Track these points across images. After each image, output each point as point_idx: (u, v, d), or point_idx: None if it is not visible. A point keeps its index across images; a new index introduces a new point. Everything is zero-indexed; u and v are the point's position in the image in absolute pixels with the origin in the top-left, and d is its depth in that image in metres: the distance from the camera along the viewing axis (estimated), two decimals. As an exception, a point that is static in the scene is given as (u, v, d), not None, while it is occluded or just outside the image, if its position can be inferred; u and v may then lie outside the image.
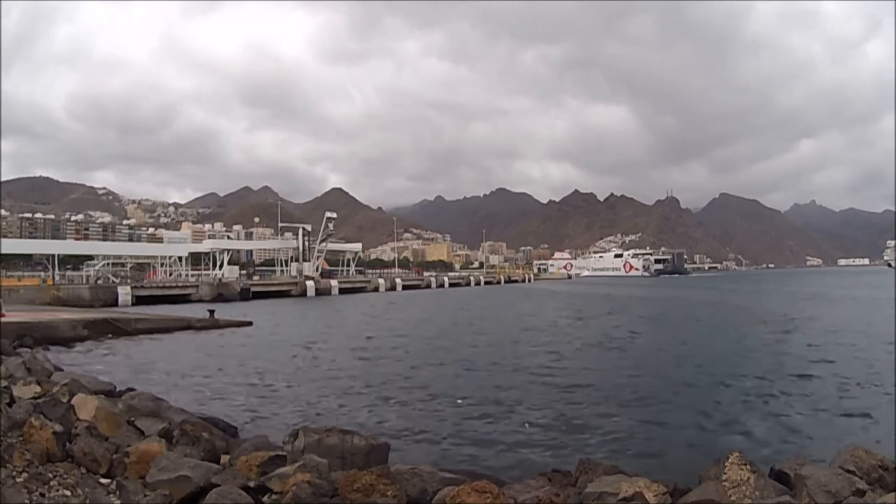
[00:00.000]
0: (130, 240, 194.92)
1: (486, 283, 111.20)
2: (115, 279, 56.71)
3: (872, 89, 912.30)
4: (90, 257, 62.89)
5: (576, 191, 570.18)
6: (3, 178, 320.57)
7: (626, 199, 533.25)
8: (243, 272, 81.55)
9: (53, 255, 55.78)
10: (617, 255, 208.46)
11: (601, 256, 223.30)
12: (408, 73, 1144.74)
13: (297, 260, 74.13)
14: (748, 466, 4.90)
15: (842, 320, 27.49)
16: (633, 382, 13.22)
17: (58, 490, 4.70)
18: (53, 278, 51.87)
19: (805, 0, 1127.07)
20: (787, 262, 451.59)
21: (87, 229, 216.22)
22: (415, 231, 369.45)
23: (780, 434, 8.94)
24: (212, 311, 27.46)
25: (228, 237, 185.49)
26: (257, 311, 37.54)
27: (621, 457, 7.47)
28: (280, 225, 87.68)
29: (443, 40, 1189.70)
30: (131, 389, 9.91)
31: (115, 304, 44.28)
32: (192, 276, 66.02)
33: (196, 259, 72.59)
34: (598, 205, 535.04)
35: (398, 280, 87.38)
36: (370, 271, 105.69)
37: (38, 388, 8.86)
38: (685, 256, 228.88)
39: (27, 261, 71.04)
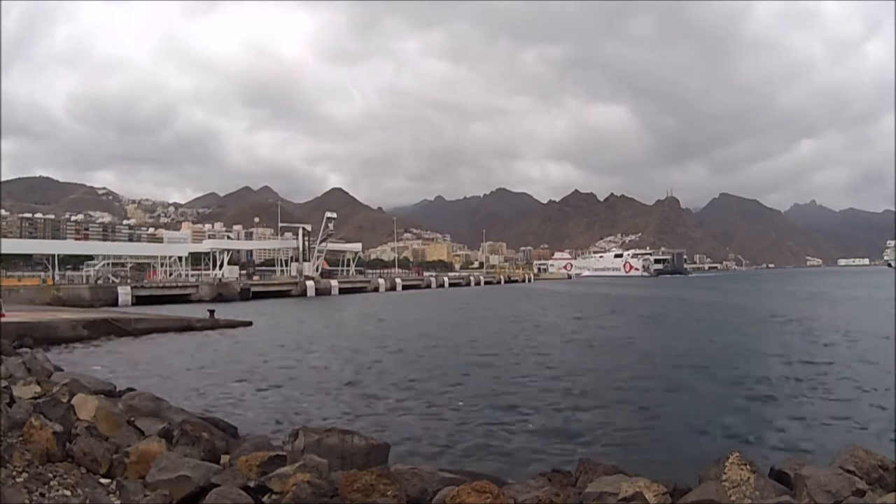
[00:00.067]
0: (130, 240, 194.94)
1: (486, 283, 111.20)
2: (115, 279, 56.72)
3: (872, 89, 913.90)
4: (90, 257, 62.90)
5: (576, 191, 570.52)
6: (3, 178, 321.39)
7: (626, 199, 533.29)
8: (243, 272, 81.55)
9: (53, 255, 55.80)
10: (617, 256, 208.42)
11: (601, 256, 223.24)
12: (408, 73, 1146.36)
13: (297, 260, 74.14)
14: (748, 466, 4.89)
15: (842, 320, 27.48)
16: (633, 382, 13.22)
17: (58, 490, 4.70)
18: (53, 278, 51.88)
19: (805, 0, 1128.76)
20: (787, 262, 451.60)
21: (87, 229, 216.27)
22: (415, 231, 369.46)
23: (780, 434, 8.94)
24: (212, 311, 27.47)
25: (228, 237, 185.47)
26: (257, 311, 37.54)
27: (621, 457, 7.46)
28: (280, 225, 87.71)
29: (443, 40, 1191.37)
30: (131, 389, 9.91)
31: (115, 304, 44.29)
32: (192, 276, 66.02)
33: (196, 259, 72.58)
34: (598, 205, 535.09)
35: (398, 280, 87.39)
36: (370, 271, 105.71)
37: (38, 388, 8.86)
38: (685, 256, 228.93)
39: (27, 261, 71.06)
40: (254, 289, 60.68)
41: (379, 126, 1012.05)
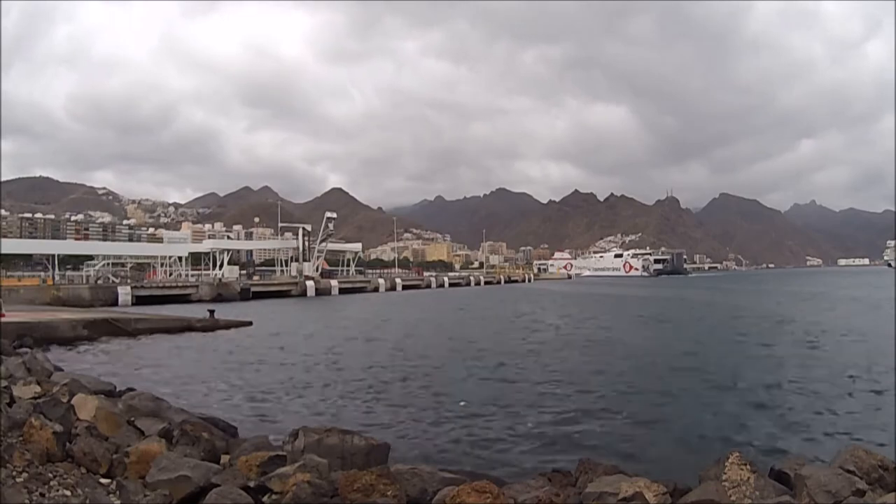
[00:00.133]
0: (130, 240, 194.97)
1: (486, 283, 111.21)
2: (115, 279, 56.73)
3: (872, 89, 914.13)
4: (90, 257, 62.92)
5: (576, 191, 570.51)
6: (3, 178, 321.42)
7: (626, 199, 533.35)
8: (243, 272, 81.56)
9: (53, 255, 55.81)
10: (617, 256, 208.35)
11: (601, 256, 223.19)
12: (408, 72, 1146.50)
13: (297, 260, 74.15)
14: (748, 466, 4.89)
15: (842, 321, 27.48)
16: (633, 383, 13.22)
17: (58, 490, 4.70)
18: (53, 278, 51.89)
19: (805, 0, 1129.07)
20: (787, 262, 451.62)
21: (87, 229, 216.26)
22: (415, 231, 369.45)
23: (780, 434, 8.94)
24: (212, 311, 27.45)
25: (228, 237, 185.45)
26: (257, 311, 37.54)
27: (621, 457, 7.47)
28: (280, 225, 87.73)
29: (442, 40, 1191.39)
30: (131, 389, 9.91)
31: (115, 304, 44.31)
32: (192, 276, 66.03)
33: (196, 259, 72.59)
34: (598, 205, 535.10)
35: (398, 280, 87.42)
36: (370, 271, 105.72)
37: (38, 388, 8.86)
38: (685, 256, 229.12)
39: (27, 261, 71.08)
40: (254, 289, 60.69)
41: (379, 126, 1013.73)
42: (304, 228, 76.89)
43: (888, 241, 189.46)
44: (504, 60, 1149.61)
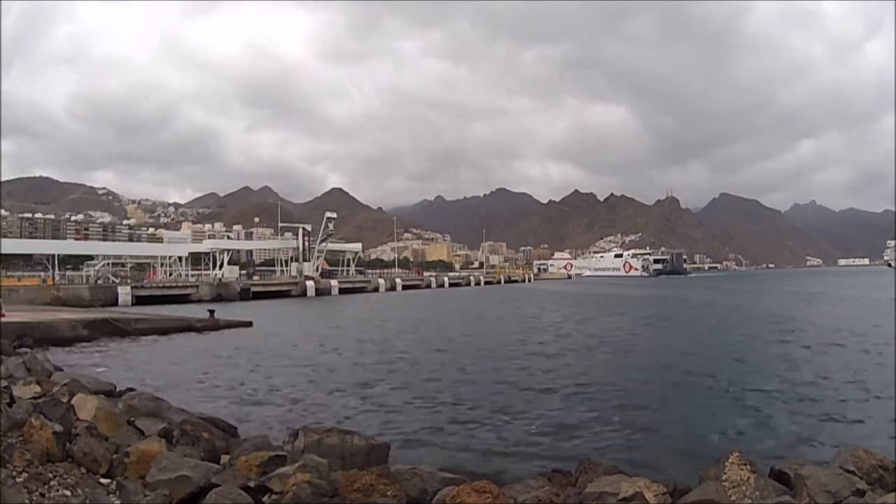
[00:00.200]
0: (130, 240, 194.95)
1: (486, 283, 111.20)
2: (115, 279, 56.73)
3: (872, 89, 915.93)
4: (90, 257, 62.91)
5: (576, 191, 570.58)
6: (3, 178, 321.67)
7: (626, 199, 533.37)
8: (243, 272, 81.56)
9: (53, 255, 55.80)
10: (617, 256, 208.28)
11: (602, 256, 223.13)
12: (407, 72, 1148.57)
13: (297, 260, 74.14)
14: (748, 466, 4.90)
15: (842, 320, 27.47)
16: (633, 382, 13.21)
17: (58, 490, 4.70)
18: (53, 278, 51.89)
19: (805, 0, 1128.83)
20: (787, 262, 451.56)
21: (87, 229, 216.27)
22: (415, 231, 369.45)
23: (780, 434, 8.94)
24: (212, 312, 27.44)
25: (228, 237, 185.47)
26: (257, 311, 37.53)
27: (621, 457, 7.47)
28: (280, 225, 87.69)
29: (442, 40, 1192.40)
30: (131, 389, 9.91)
31: (115, 304, 44.30)
32: (192, 276, 66.03)
33: (196, 259, 72.59)
34: (598, 205, 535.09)
35: (398, 280, 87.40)
36: (370, 271, 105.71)
37: (38, 388, 8.86)
38: (685, 256, 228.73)
39: (27, 261, 71.07)
40: (254, 289, 60.67)
41: (379, 126, 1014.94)
42: (304, 228, 76.87)
43: (888, 241, 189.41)
44: (504, 60, 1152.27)
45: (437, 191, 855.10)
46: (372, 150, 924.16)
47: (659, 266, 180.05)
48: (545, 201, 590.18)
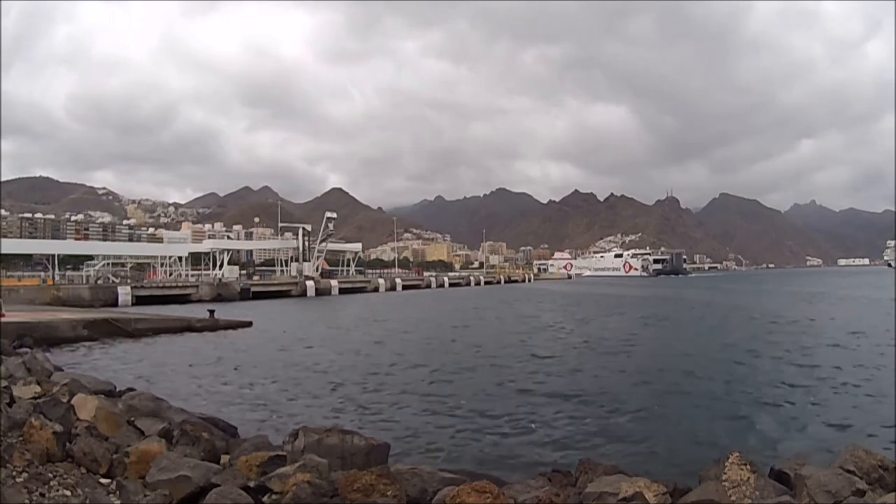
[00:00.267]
0: (130, 240, 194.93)
1: (486, 283, 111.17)
2: (115, 279, 56.71)
3: (872, 89, 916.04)
4: (90, 257, 62.89)
5: (576, 191, 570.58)
6: (3, 178, 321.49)
7: (626, 199, 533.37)
8: (243, 272, 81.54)
9: (53, 255, 55.77)
10: (617, 256, 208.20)
11: (602, 256, 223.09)
12: (407, 72, 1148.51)
13: (297, 260, 74.13)
14: (748, 466, 4.90)
15: (842, 321, 27.47)
16: (633, 382, 13.22)
17: (58, 490, 4.70)
18: (53, 278, 51.87)
19: (805, 0, 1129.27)
20: (787, 262, 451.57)
21: (87, 229, 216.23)
22: (415, 231, 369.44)
23: (780, 434, 8.94)
24: (212, 312, 27.44)
25: (228, 237, 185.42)
26: (257, 311, 37.53)
27: (621, 457, 7.47)
28: (280, 225, 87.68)
29: (442, 40, 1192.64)
30: (131, 389, 9.91)
31: (115, 304, 44.28)
32: (192, 276, 66.00)
33: (196, 259, 72.57)
34: (598, 205, 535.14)
35: (398, 280, 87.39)
36: (370, 271, 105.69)
37: (38, 388, 8.86)
38: (685, 256, 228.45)
39: (27, 261, 71.06)
40: (254, 289, 60.66)
41: (379, 126, 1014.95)
42: (304, 228, 76.86)
43: (888, 241, 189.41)
44: (504, 60, 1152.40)
45: (437, 191, 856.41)
46: (372, 150, 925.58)
47: (658, 266, 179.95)
48: (545, 201, 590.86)
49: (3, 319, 19.62)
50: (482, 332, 25.40)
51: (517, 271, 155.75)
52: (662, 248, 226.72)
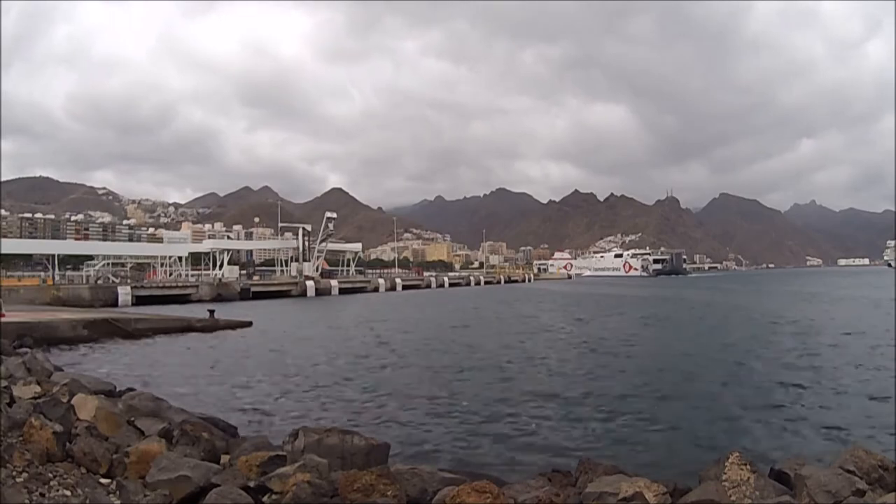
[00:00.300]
0: (130, 240, 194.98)
1: (486, 283, 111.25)
2: (115, 279, 56.72)
3: (872, 89, 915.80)
4: (90, 257, 62.90)
5: (576, 191, 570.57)
6: (3, 178, 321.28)
7: (626, 199, 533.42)
8: (243, 272, 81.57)
9: (53, 255, 55.79)
10: (617, 256, 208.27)
11: (602, 256, 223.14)
12: (407, 72, 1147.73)
13: (297, 260, 74.15)
14: (748, 466, 4.89)
15: (842, 321, 27.48)
16: (633, 383, 13.22)
17: (58, 490, 4.70)
18: (53, 278, 51.88)
19: (805, 0, 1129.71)
20: (787, 262, 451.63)
21: (87, 229, 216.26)
22: (415, 231, 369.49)
23: (780, 434, 8.94)
24: (212, 312, 27.45)
25: (228, 237, 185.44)
26: (257, 311, 37.54)
27: (621, 457, 7.47)
28: (280, 225, 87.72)
29: (442, 39, 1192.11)
30: (131, 389, 9.91)
31: (115, 304, 44.30)
32: (192, 276, 66.03)
33: (196, 259, 72.59)
34: (598, 205, 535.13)
35: (398, 280, 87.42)
36: (370, 271, 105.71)
37: (38, 388, 8.86)
38: (684, 256, 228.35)
39: (27, 261, 71.07)
40: (254, 289, 60.69)
41: (378, 126, 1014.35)
42: (304, 228, 76.89)
43: (888, 241, 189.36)
44: (504, 60, 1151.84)
45: (437, 191, 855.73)
46: (372, 150, 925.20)
47: (658, 266, 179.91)
48: (545, 201, 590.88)
49: (3, 319, 19.62)
50: (482, 333, 25.41)
51: (517, 271, 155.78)
52: (662, 248, 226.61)
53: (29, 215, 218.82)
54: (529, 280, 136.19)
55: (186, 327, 25.08)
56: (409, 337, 23.76)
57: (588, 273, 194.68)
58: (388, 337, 23.51)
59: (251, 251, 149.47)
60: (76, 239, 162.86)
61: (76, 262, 67.18)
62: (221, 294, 54.40)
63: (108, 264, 60.51)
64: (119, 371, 14.79)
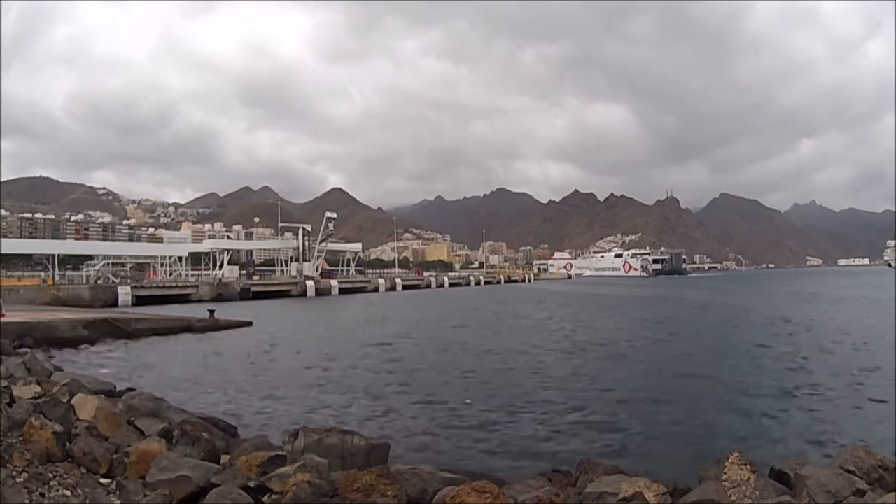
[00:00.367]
0: (130, 240, 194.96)
1: (486, 283, 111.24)
2: (115, 279, 56.73)
3: (872, 89, 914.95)
4: (90, 257, 62.92)
5: (576, 191, 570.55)
6: (3, 178, 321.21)
7: (626, 199, 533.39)
8: (243, 272, 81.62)
9: (53, 255, 55.80)
10: (617, 256, 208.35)
11: (602, 256, 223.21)
12: (407, 72, 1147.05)
13: (297, 260, 74.15)
14: (748, 466, 4.89)
15: (842, 321, 27.49)
16: (633, 383, 13.23)
17: (58, 490, 4.70)
18: (53, 278, 51.88)
19: (805, 0, 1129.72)
20: (787, 262, 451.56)
21: (87, 229, 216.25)
22: (415, 231, 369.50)
23: (780, 434, 8.94)
24: (212, 312, 27.45)
25: (228, 237, 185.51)
26: (257, 311, 37.53)
27: (621, 457, 7.47)
28: (280, 225, 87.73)
29: (442, 39, 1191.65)
30: (131, 389, 9.92)
31: (115, 304, 44.30)
32: (192, 276, 66.04)
33: (196, 259, 72.61)
34: (598, 205, 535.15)
35: (398, 280, 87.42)
36: (370, 271, 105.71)
37: (38, 388, 8.86)
38: (684, 256, 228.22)
39: (27, 261, 71.07)
40: (254, 289, 60.70)
41: (378, 126, 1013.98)
42: (304, 228, 76.88)
43: (888, 241, 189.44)
44: (504, 60, 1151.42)
45: (437, 191, 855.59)
46: (372, 150, 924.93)
47: (658, 266, 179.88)
48: (545, 201, 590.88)
49: (3, 319, 19.62)
50: (482, 333, 25.40)
51: (517, 271, 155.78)
52: (662, 248, 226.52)
53: (29, 215, 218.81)
54: (529, 280, 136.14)
55: (186, 327, 25.08)
56: (409, 337, 23.75)
57: (588, 273, 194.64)
58: (388, 337, 23.50)
59: (251, 251, 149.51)
60: (76, 239, 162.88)
61: (76, 262, 67.19)
62: (221, 294, 54.41)
63: (108, 264, 60.53)
64: (119, 371, 14.79)
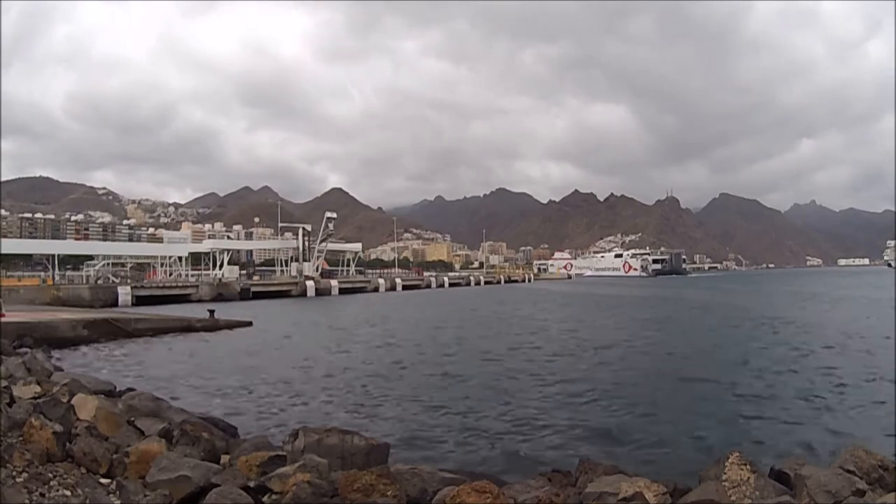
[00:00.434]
0: (130, 240, 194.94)
1: (486, 283, 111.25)
2: (115, 279, 56.73)
3: (873, 89, 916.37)
4: (90, 257, 62.93)
5: (576, 191, 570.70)
6: (3, 178, 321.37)
7: (626, 199, 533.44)
8: (243, 272, 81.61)
9: (53, 255, 55.81)
10: (617, 256, 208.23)
11: (602, 256, 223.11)
12: (407, 72, 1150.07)
13: (297, 260, 74.14)
14: (748, 466, 4.89)
15: (842, 321, 27.48)
16: (633, 383, 13.22)
17: (58, 490, 4.70)
18: (53, 278, 51.89)
19: (805, 0, 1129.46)
20: (787, 262, 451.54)
21: (87, 229, 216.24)
22: (415, 231, 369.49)
23: (780, 434, 8.93)
24: (212, 312, 27.44)
25: (228, 237, 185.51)
26: (257, 311, 37.53)
27: (621, 457, 7.47)
28: (280, 225, 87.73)
29: (442, 39, 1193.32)
30: (131, 389, 9.91)
31: (115, 304, 44.31)
32: (192, 276, 66.06)
33: (196, 259, 72.63)
34: (598, 205, 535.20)
35: (398, 280, 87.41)
36: (370, 271, 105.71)
37: (38, 388, 8.86)
38: (684, 256, 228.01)
39: (27, 261, 71.07)
40: (254, 289, 60.70)
41: (378, 126, 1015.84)
42: (304, 228, 76.88)
43: (888, 241, 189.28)
44: (503, 60, 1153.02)
45: (437, 191, 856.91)
46: (372, 150, 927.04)
47: (658, 266, 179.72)
48: (545, 201, 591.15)
49: (3, 319, 19.61)
50: (482, 333, 25.38)
51: (517, 271, 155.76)
52: (662, 248, 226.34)
53: (29, 215, 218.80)
54: (529, 280, 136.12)
55: (186, 327, 25.08)
56: (409, 337, 23.74)
57: (588, 273, 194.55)
58: (388, 337, 23.51)
59: (251, 251, 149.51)
60: (76, 239, 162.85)
61: (76, 262, 67.20)
62: (221, 294, 54.42)
63: (108, 264, 60.54)
64: (119, 371, 14.79)
